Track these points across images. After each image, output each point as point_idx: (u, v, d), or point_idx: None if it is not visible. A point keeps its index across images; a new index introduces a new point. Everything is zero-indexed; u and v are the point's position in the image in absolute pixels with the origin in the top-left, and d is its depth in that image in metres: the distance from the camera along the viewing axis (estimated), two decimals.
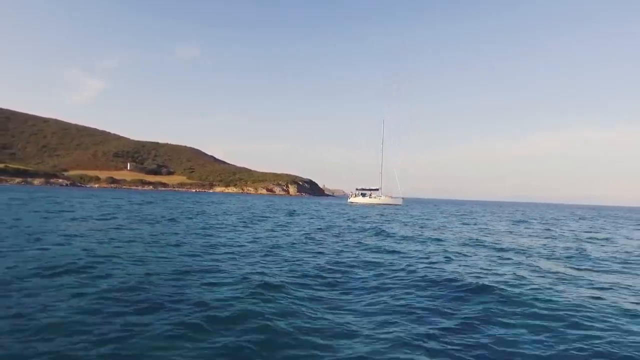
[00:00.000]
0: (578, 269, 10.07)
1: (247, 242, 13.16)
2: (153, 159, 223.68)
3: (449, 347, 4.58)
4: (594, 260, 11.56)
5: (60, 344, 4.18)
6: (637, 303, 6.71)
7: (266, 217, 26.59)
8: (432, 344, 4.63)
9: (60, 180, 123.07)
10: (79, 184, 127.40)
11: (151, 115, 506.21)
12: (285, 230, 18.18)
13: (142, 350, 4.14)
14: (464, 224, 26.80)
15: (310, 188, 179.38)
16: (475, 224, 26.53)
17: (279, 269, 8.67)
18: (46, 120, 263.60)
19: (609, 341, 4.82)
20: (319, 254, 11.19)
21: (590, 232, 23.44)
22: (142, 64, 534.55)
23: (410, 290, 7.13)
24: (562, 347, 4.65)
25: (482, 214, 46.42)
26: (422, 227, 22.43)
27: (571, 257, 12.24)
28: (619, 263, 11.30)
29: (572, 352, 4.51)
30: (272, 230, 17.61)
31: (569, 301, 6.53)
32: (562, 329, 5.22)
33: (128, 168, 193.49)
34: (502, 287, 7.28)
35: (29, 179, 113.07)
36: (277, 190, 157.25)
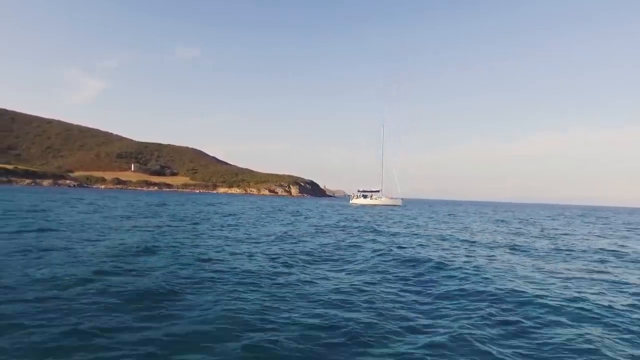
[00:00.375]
0: (510, 254, 13.84)
1: (279, 232, 16.98)
2: (156, 159, 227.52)
3: (398, 284, 8.33)
4: (528, 250, 15.30)
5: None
6: (523, 275, 10.47)
7: (278, 217, 30.36)
8: (385, 283, 8.38)
9: (67, 182, 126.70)
10: (86, 185, 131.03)
11: (151, 115, 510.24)
12: (297, 225, 22.11)
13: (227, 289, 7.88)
14: (444, 222, 30.63)
15: (311, 189, 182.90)
16: (456, 223, 30.32)
17: (298, 248, 12.46)
18: (49, 122, 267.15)
19: (490, 289, 8.55)
20: (325, 239, 14.98)
21: (557, 229, 27.19)
22: (142, 64, 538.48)
23: (379, 261, 10.91)
24: (459, 287, 8.39)
25: (472, 213, 50.20)
26: (407, 225, 26.22)
27: (514, 247, 15.99)
28: (546, 252, 15.04)
29: (463, 292, 8.25)
30: (291, 224, 21.58)
31: (476, 267, 10.31)
32: (462, 280, 8.97)
33: (132, 169, 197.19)
34: (440, 260, 11.07)
35: (37, 180, 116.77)
36: (280, 191, 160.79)
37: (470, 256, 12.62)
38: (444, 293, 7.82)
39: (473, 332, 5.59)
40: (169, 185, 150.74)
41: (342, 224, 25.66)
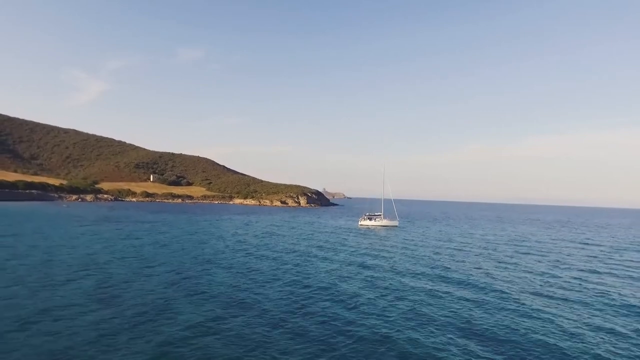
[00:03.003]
0: (421, 247, 29.31)
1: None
2: (171, 169, 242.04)
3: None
4: (440, 242, 30.76)
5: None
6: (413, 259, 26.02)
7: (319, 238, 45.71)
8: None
9: (105, 196, 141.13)
10: (120, 199, 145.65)
11: (154, 118, 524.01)
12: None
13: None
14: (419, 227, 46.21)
15: (317, 198, 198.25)
16: (426, 227, 45.81)
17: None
18: (66, 131, 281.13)
19: (386, 266, 24.02)
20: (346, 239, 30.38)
21: (489, 229, 42.74)
22: (145, 67, 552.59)
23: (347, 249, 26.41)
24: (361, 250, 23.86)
25: (451, 215, 65.95)
26: (385, 238, 41.71)
27: (440, 240, 31.41)
28: (457, 243, 30.48)
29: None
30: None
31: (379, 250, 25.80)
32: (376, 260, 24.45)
33: (151, 179, 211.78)
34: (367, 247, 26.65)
35: (82, 196, 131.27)
36: (290, 202, 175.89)
37: (385, 243, 28.22)
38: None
39: None
40: (190, 197, 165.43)
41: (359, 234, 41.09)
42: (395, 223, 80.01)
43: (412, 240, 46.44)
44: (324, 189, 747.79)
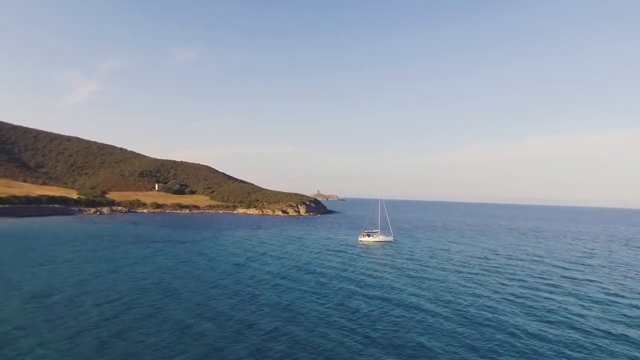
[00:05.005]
0: (409, 267, 41.04)
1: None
2: (173, 177, 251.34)
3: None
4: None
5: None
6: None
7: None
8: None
9: (119, 208, 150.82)
10: (132, 210, 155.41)
11: (150, 118, 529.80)
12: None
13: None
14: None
15: (316, 207, 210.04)
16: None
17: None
18: (69, 139, 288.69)
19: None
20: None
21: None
22: (141, 67, 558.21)
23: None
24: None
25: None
26: (374, 251, 53.37)
27: (427, 256, 43.15)
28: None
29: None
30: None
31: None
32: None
33: (156, 188, 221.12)
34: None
35: (98, 208, 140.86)
36: (290, 211, 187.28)
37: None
38: None
39: None
40: (196, 207, 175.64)
41: (360, 248, 52.62)
42: (390, 239, 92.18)
43: (402, 262, 58.36)
44: (318, 191, 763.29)
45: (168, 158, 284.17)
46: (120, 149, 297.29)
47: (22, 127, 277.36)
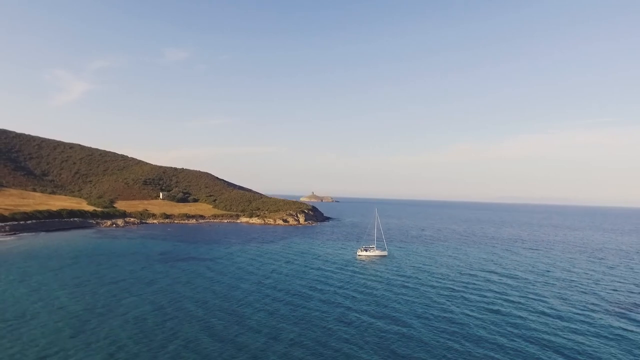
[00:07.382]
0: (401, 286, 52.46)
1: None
2: (176, 185, 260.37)
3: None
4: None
5: None
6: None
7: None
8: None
9: (132, 219, 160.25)
10: (143, 222, 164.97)
11: (143, 118, 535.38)
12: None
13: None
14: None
15: (314, 215, 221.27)
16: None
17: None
18: (72, 146, 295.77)
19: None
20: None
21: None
22: (131, 67, 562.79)
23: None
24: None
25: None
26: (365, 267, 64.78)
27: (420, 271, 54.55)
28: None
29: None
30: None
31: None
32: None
33: (161, 197, 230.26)
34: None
35: (113, 220, 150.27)
36: (291, 220, 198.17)
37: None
38: None
39: None
40: (202, 217, 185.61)
41: (358, 262, 63.94)
42: (385, 253, 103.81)
43: (395, 279, 69.75)
44: (313, 192, 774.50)
45: (169, 165, 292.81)
46: (122, 156, 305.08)
47: (25, 135, 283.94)
